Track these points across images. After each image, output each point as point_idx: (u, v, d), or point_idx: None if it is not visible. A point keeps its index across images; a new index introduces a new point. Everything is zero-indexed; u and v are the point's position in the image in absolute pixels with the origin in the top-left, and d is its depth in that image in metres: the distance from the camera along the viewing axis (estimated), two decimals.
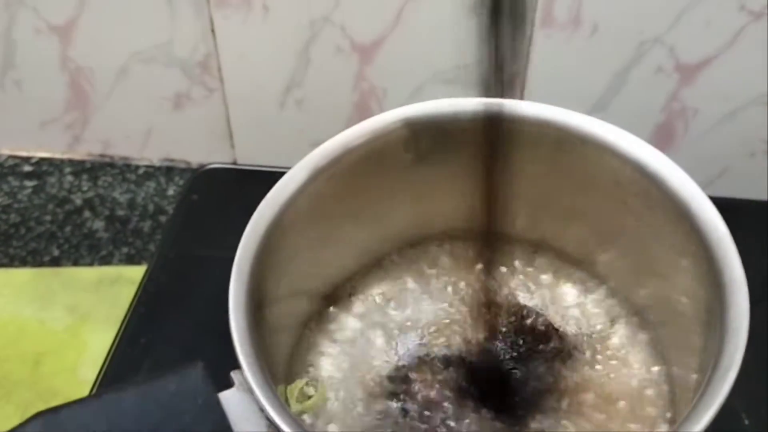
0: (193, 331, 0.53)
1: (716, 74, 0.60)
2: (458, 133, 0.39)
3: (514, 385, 0.37)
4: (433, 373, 0.38)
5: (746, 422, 0.47)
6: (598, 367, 0.38)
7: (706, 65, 0.60)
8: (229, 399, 0.30)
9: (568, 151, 0.38)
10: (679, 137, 0.64)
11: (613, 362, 0.38)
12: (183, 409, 0.29)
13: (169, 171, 0.69)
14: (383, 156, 0.39)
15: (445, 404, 0.37)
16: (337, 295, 0.42)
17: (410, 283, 0.42)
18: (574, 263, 0.41)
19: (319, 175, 0.38)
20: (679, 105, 0.62)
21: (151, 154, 0.69)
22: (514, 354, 0.38)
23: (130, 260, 0.64)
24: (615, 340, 0.39)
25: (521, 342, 0.39)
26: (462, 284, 0.42)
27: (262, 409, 0.30)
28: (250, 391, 0.30)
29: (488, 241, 0.43)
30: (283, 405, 0.31)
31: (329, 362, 0.39)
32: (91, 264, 0.64)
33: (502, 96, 0.38)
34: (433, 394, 0.37)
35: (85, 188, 0.68)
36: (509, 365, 0.38)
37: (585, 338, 0.39)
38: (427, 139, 0.39)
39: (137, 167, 0.69)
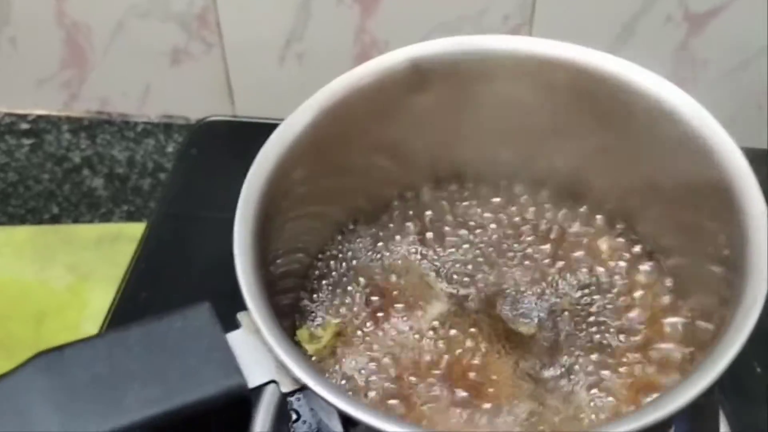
0: (195, 287, 0.52)
1: (726, 24, 0.59)
2: (466, 71, 0.38)
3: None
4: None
5: (758, 370, 0.46)
6: (618, 302, 0.38)
7: (715, 14, 0.59)
8: (236, 340, 0.30)
9: (585, 88, 0.37)
10: (688, 88, 0.63)
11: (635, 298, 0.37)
12: (189, 349, 0.28)
13: (167, 128, 0.68)
14: (390, 96, 0.38)
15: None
16: (344, 238, 0.41)
17: (414, 227, 0.41)
18: (590, 203, 0.41)
19: (324, 115, 0.37)
20: (688, 55, 0.61)
21: (149, 111, 0.68)
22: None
23: (130, 218, 0.63)
24: (638, 278, 0.38)
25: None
26: (474, 230, 0.41)
27: (270, 350, 0.29)
28: (258, 332, 0.30)
29: (498, 184, 0.42)
30: (292, 344, 0.30)
31: (334, 307, 0.39)
32: (91, 222, 0.63)
33: None
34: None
35: (83, 146, 0.67)
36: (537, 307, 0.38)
37: (607, 277, 0.38)
38: (434, 78, 0.38)
39: (136, 124, 0.68)
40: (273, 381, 0.30)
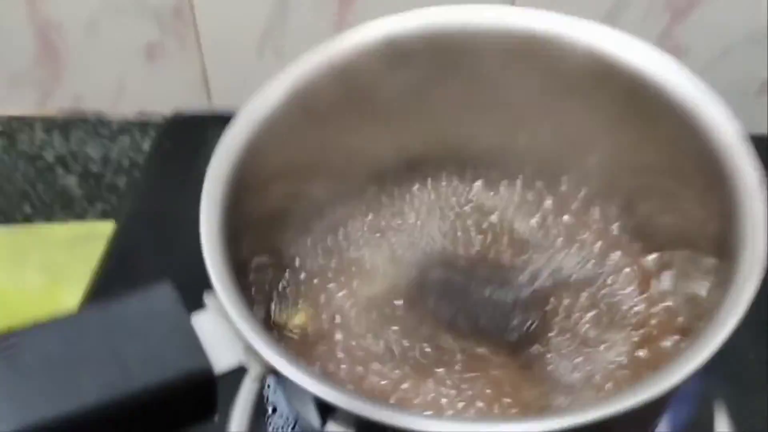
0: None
1: (709, 11, 0.59)
2: (445, 46, 0.37)
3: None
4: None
5: (753, 358, 0.45)
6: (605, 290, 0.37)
7: (698, 1, 0.58)
8: (202, 322, 0.28)
9: (571, 63, 0.36)
10: None
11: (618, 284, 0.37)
12: (149, 330, 0.26)
13: (143, 125, 0.67)
14: (365, 76, 0.37)
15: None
16: (318, 222, 0.40)
17: (392, 210, 0.40)
18: (572, 182, 0.40)
19: (293, 96, 0.36)
20: (672, 43, 0.61)
21: (124, 108, 0.67)
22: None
23: (106, 216, 0.62)
24: (617, 261, 0.37)
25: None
26: (444, 212, 0.40)
27: (238, 332, 0.28)
28: (225, 314, 0.28)
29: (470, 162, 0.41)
30: (261, 326, 0.28)
31: (311, 284, 0.38)
32: (65, 221, 0.62)
33: None
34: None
35: (57, 145, 0.66)
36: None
37: (588, 261, 0.37)
38: (411, 54, 0.37)
39: (111, 122, 0.67)
40: (241, 366, 0.28)
